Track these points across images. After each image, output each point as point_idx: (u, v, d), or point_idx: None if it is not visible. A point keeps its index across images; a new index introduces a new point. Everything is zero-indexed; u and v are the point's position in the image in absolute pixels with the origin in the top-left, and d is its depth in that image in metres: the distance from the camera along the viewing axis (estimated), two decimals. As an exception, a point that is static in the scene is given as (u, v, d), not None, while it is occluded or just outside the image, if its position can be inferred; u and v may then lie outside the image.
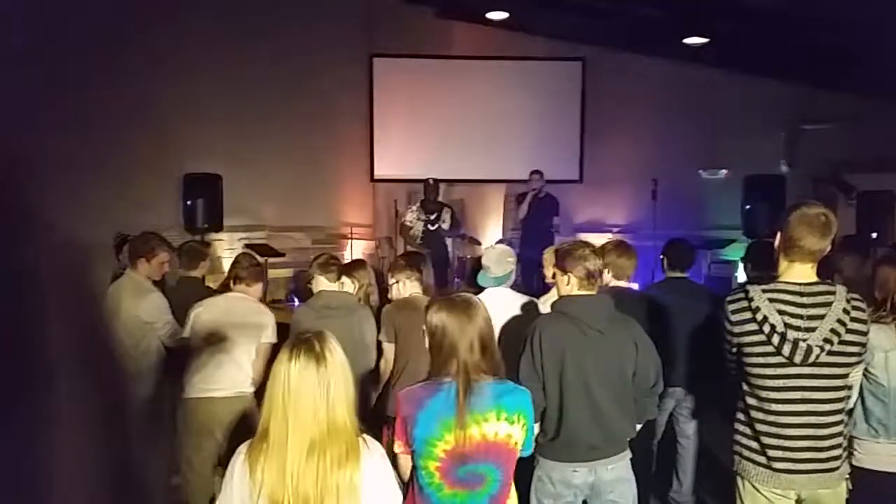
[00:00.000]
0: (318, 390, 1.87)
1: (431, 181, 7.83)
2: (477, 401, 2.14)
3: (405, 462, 2.28)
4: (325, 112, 8.82)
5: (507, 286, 3.70)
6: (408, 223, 7.77)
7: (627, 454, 2.84)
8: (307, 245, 8.19)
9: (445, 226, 7.82)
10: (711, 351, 2.85)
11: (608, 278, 3.65)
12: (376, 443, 2.00)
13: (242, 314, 3.79)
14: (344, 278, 3.93)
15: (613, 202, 9.49)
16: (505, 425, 2.16)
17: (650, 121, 8.92)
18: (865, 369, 2.75)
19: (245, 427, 3.44)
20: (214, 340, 3.71)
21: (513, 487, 2.31)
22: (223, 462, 3.54)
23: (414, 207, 7.84)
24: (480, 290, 3.57)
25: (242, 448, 1.95)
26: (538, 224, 7.70)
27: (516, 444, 2.21)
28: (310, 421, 1.86)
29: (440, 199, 8.01)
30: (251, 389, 3.74)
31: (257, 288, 3.97)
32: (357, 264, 4.29)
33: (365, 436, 1.97)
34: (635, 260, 3.84)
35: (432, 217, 7.71)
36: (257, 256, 4.36)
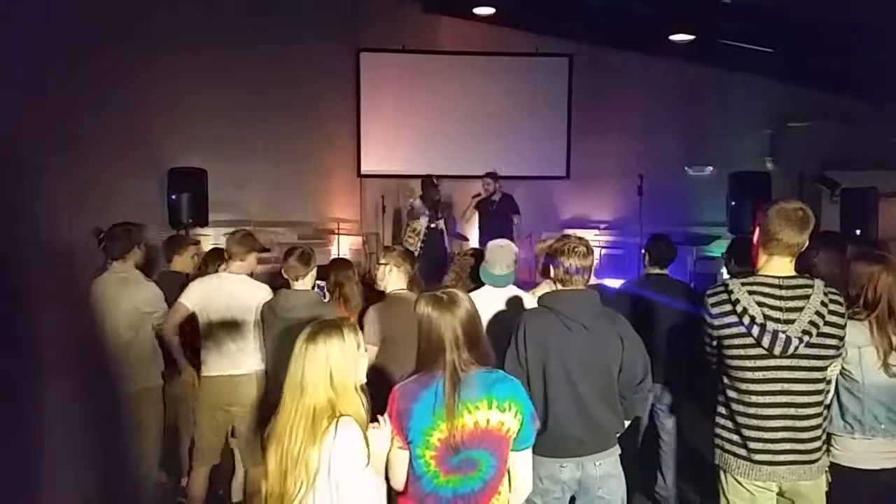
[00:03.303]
0: (306, 369, 2.14)
1: (433, 180, 7.71)
2: (467, 391, 2.18)
3: (396, 459, 2.26)
4: (311, 106, 8.78)
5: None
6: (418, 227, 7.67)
7: (616, 450, 2.83)
8: (293, 240, 8.12)
9: (441, 224, 7.80)
10: (689, 347, 2.86)
11: None
12: (348, 427, 2.10)
13: (238, 297, 3.88)
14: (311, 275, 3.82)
15: (600, 198, 9.52)
16: (496, 413, 2.19)
17: (637, 117, 8.95)
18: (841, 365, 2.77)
19: (254, 401, 3.84)
20: (216, 326, 3.89)
21: (507, 475, 2.30)
22: (234, 432, 4.02)
23: (421, 215, 7.72)
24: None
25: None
26: (497, 225, 7.60)
27: (508, 431, 2.22)
28: (295, 396, 2.14)
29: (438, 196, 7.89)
30: (258, 368, 3.88)
31: (251, 259, 4.00)
32: (332, 264, 4.30)
33: (343, 419, 2.11)
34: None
35: (433, 215, 7.63)
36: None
